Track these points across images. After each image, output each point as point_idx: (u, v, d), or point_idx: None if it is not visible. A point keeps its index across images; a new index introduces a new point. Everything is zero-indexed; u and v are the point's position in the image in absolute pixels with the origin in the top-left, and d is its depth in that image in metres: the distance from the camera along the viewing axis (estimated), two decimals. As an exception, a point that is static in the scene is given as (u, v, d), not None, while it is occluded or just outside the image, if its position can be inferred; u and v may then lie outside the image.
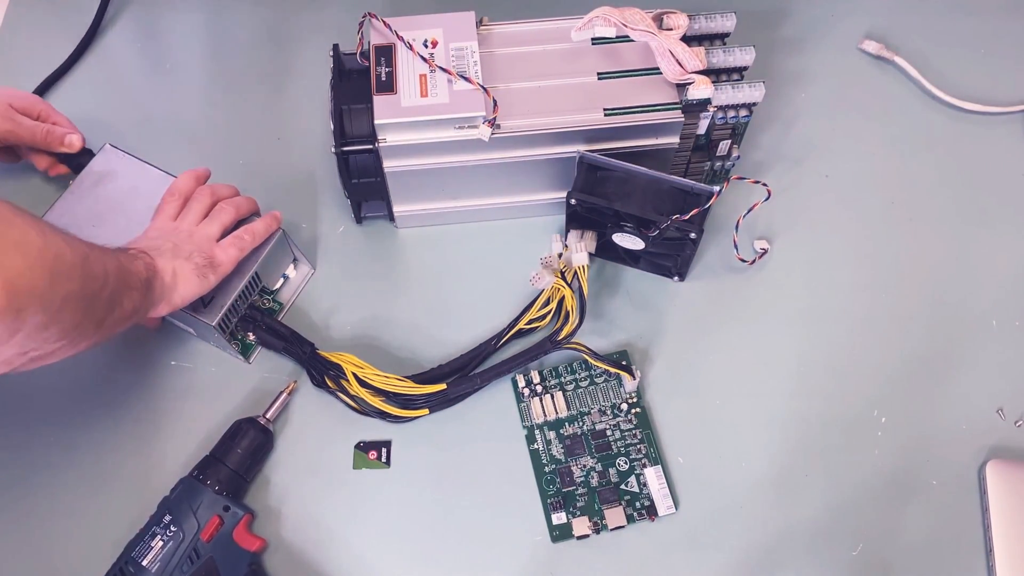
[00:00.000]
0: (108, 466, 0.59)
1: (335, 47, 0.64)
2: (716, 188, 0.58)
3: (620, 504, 0.57)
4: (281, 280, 0.65)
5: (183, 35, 0.79)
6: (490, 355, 0.62)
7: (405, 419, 0.59)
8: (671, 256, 0.63)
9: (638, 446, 0.59)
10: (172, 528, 0.54)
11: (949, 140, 0.73)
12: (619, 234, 0.62)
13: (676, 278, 0.66)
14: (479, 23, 0.65)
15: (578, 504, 0.57)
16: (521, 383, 0.61)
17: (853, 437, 0.60)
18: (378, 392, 0.59)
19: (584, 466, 0.59)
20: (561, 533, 0.57)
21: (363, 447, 0.60)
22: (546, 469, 0.59)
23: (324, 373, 0.60)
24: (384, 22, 0.63)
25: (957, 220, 0.69)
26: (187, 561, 0.53)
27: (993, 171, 0.71)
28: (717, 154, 0.66)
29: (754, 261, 0.66)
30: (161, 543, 0.53)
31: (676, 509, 0.57)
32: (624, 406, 0.60)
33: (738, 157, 0.67)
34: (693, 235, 0.59)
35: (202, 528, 0.54)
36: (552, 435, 0.60)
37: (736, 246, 0.64)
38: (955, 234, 0.68)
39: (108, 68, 0.77)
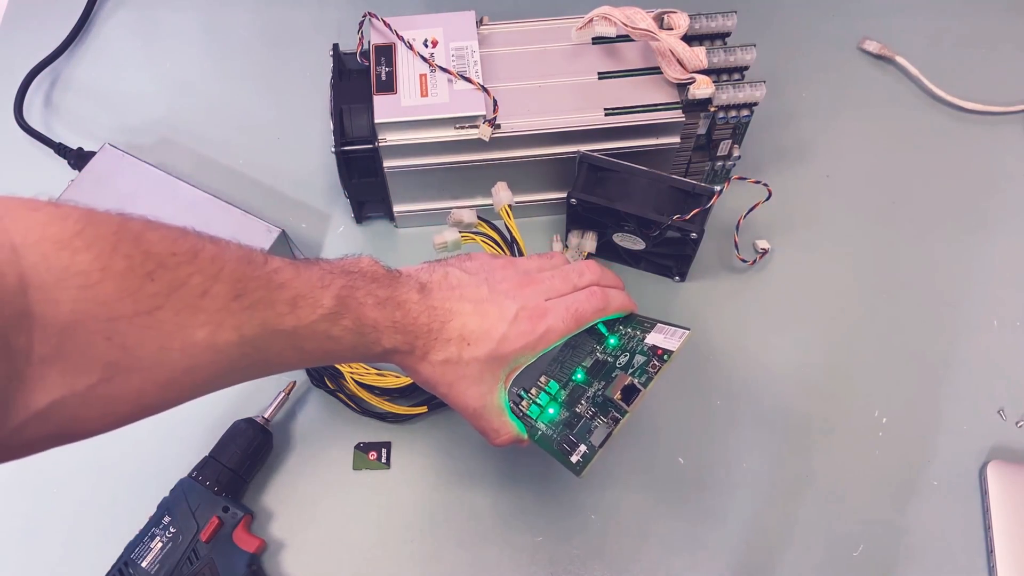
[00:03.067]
0: (106, 467, 0.59)
1: (335, 47, 0.64)
2: (717, 188, 0.58)
3: (627, 375, 0.49)
4: None
5: (182, 35, 0.79)
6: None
7: (404, 417, 0.59)
8: (671, 256, 0.63)
9: (634, 338, 0.51)
10: (171, 529, 0.54)
11: (950, 140, 0.72)
12: (619, 234, 0.62)
13: (676, 278, 0.66)
14: (479, 23, 0.64)
15: (592, 426, 0.49)
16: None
17: (853, 437, 0.60)
18: (377, 391, 0.59)
19: (588, 397, 0.51)
20: (585, 459, 0.47)
21: (363, 448, 0.59)
22: (549, 433, 0.51)
23: (323, 373, 0.59)
24: (384, 22, 0.63)
25: (958, 220, 0.69)
26: (186, 562, 0.53)
27: (994, 171, 0.71)
28: (718, 154, 0.66)
29: (754, 261, 0.66)
30: (160, 544, 0.53)
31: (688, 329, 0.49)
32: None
33: (739, 157, 0.67)
34: (694, 235, 0.59)
35: (201, 529, 0.54)
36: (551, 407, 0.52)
37: (736, 246, 0.64)
38: (956, 234, 0.68)
39: (106, 67, 0.77)
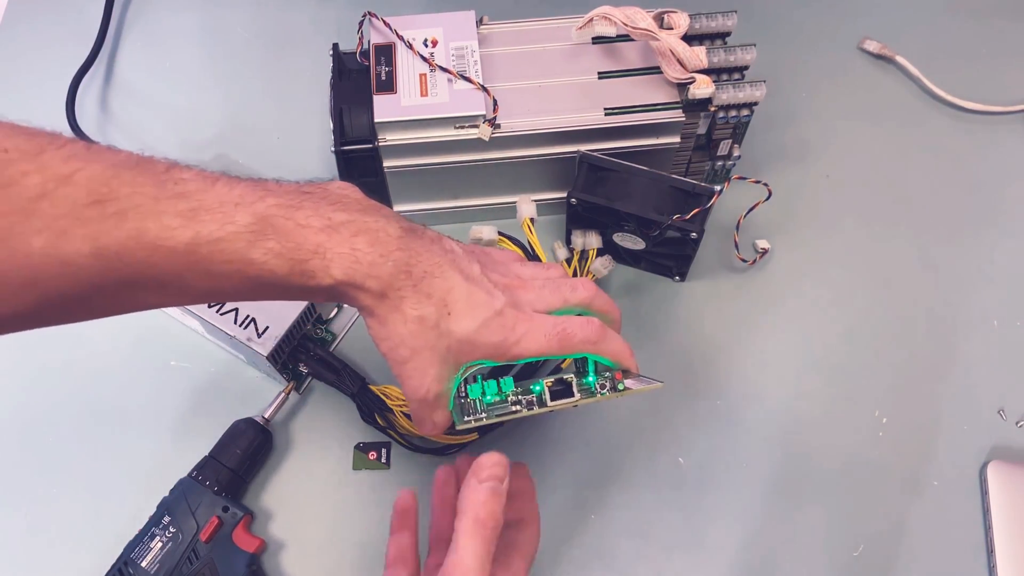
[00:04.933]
0: (106, 466, 0.59)
1: (335, 46, 0.64)
2: (717, 188, 0.58)
3: (574, 376, 0.47)
4: (335, 309, 0.63)
5: (182, 35, 0.79)
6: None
7: (456, 448, 0.58)
8: (671, 256, 0.63)
9: (610, 378, 0.48)
10: (171, 529, 0.54)
11: (950, 139, 0.72)
12: (619, 234, 0.62)
13: (676, 278, 0.66)
14: (479, 22, 0.64)
15: (509, 408, 0.46)
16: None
17: (853, 438, 0.60)
18: None
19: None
20: (473, 421, 0.45)
21: (363, 448, 0.59)
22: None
23: (373, 409, 0.57)
24: (384, 21, 0.63)
25: (958, 219, 0.69)
26: (186, 562, 0.53)
27: (994, 171, 0.71)
28: (718, 154, 0.66)
29: (754, 261, 0.66)
30: (160, 544, 0.53)
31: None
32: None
33: (739, 157, 0.67)
34: (694, 235, 0.59)
35: (201, 529, 0.53)
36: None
37: (737, 246, 0.64)
38: (956, 234, 0.68)
39: (119, 73, 0.77)
